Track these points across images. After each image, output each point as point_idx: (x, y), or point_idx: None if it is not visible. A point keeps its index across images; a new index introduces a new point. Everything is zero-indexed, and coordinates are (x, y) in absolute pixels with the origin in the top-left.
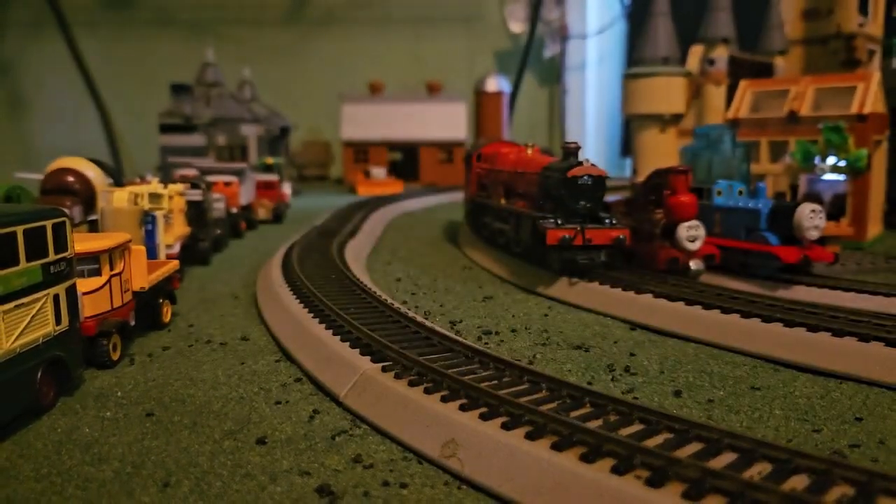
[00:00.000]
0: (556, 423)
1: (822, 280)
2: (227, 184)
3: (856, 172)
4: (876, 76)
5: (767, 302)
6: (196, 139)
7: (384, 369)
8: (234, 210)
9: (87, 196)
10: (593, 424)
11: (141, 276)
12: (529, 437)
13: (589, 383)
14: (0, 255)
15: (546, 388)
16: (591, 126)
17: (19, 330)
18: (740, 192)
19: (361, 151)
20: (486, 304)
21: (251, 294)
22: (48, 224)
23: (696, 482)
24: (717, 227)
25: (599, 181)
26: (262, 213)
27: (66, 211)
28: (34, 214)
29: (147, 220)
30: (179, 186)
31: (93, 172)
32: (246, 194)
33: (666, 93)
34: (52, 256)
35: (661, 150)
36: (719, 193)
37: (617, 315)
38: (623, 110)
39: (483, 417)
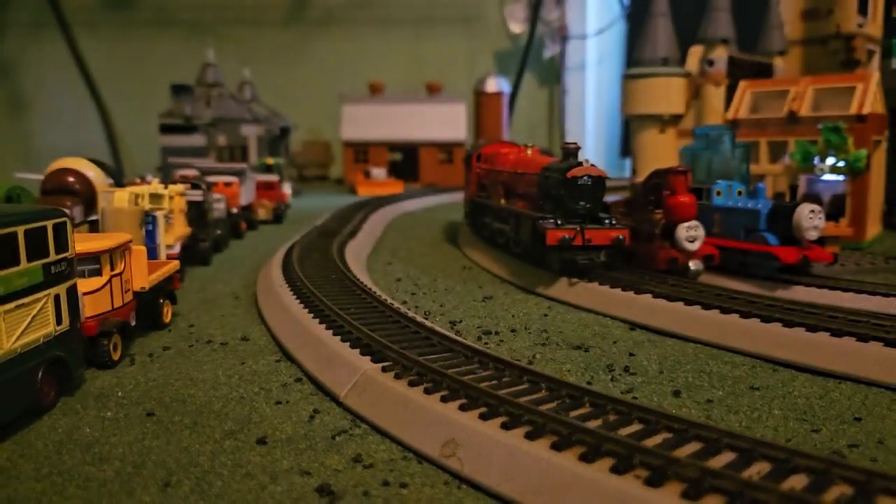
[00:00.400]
0: (555, 423)
1: (821, 280)
2: (228, 184)
3: (855, 173)
4: (875, 76)
5: (766, 302)
6: (196, 139)
7: (384, 369)
8: (235, 210)
9: (87, 196)
10: (593, 424)
11: (141, 276)
12: (529, 436)
13: (588, 383)
14: (1, 255)
15: (545, 388)
16: (591, 126)
17: (20, 330)
18: (739, 193)
19: (361, 152)
20: (486, 304)
21: (251, 294)
22: (49, 224)
23: (696, 482)
24: (716, 228)
25: (599, 181)
26: (262, 214)
27: (67, 211)
28: (35, 214)
29: (147, 220)
30: (180, 187)
31: (93, 173)
32: (246, 195)
33: (665, 93)
34: (52, 256)
35: (661, 151)
36: (719, 194)
37: (616, 315)
38: (622, 111)
39: (483, 417)
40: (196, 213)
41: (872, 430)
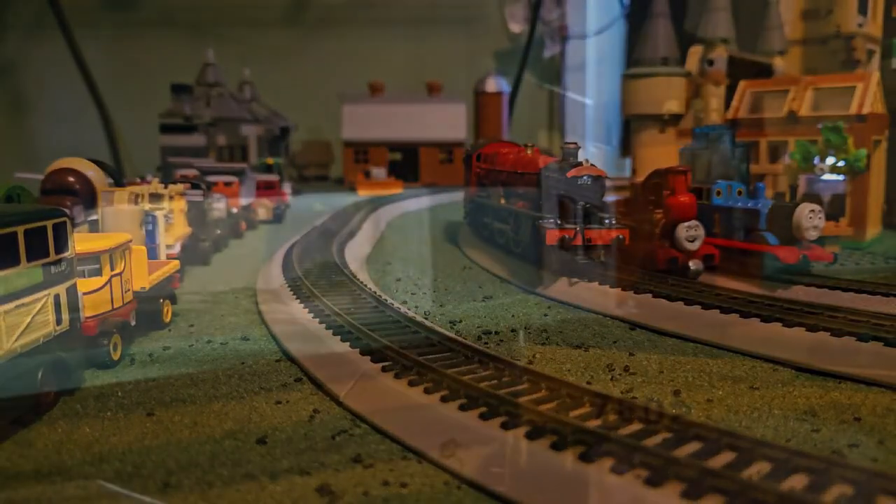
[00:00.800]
0: (555, 423)
1: (821, 280)
2: (228, 184)
3: (855, 173)
4: (875, 76)
5: (766, 302)
6: (196, 139)
7: (384, 369)
8: (235, 210)
9: (87, 196)
10: (593, 424)
11: (141, 276)
12: (529, 436)
13: (588, 383)
14: (1, 255)
15: (545, 388)
16: (591, 126)
17: (20, 330)
18: (739, 193)
19: (361, 151)
20: (486, 304)
21: (251, 294)
22: (49, 224)
23: (695, 481)
24: (716, 228)
25: (599, 181)
26: (262, 214)
27: (67, 211)
28: (35, 214)
29: (147, 220)
30: (180, 187)
31: (93, 173)
32: (246, 195)
33: (665, 93)
34: (52, 256)
35: (661, 151)
36: (718, 194)
37: (616, 315)
38: (622, 111)
39: (483, 417)
40: (196, 212)
41: (872, 430)
